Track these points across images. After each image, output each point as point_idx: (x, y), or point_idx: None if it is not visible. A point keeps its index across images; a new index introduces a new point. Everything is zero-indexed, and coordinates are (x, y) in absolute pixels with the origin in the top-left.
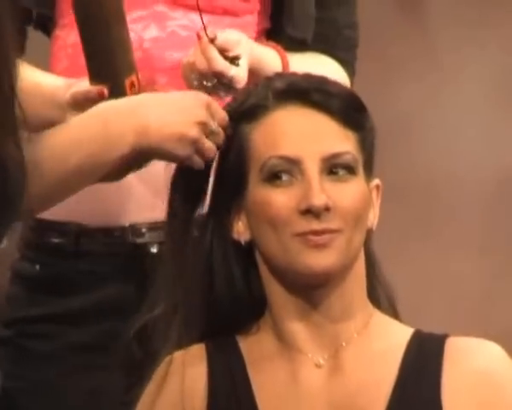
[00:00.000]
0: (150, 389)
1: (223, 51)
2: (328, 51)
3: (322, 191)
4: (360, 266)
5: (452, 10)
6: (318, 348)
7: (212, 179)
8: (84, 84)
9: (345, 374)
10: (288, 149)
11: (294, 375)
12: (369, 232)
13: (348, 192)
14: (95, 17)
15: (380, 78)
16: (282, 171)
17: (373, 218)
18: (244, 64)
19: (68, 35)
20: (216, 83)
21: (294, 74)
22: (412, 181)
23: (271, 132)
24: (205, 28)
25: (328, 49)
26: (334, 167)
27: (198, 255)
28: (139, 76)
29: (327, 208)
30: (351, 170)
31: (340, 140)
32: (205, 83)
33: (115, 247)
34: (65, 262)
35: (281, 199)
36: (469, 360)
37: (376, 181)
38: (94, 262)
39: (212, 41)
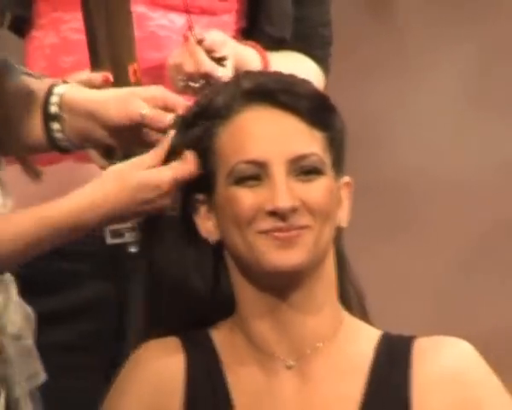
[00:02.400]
0: (121, 377)
1: (209, 52)
2: (304, 50)
3: (289, 193)
4: (329, 266)
5: (422, 9)
6: (287, 350)
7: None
8: (82, 75)
9: (316, 380)
10: (254, 153)
11: (268, 378)
12: (339, 231)
13: (315, 190)
14: (101, 2)
15: (351, 77)
16: (249, 175)
17: (343, 215)
18: (230, 65)
19: (46, 36)
20: (203, 84)
21: (263, 74)
22: (384, 180)
23: (238, 135)
24: (191, 30)
25: (304, 47)
26: (300, 169)
27: (169, 253)
28: (139, 65)
29: (294, 209)
30: (317, 171)
31: (306, 141)
32: (192, 84)
33: (95, 247)
34: (45, 262)
35: (247, 198)
36: (438, 360)
37: (346, 179)
38: (74, 262)
39: (199, 43)
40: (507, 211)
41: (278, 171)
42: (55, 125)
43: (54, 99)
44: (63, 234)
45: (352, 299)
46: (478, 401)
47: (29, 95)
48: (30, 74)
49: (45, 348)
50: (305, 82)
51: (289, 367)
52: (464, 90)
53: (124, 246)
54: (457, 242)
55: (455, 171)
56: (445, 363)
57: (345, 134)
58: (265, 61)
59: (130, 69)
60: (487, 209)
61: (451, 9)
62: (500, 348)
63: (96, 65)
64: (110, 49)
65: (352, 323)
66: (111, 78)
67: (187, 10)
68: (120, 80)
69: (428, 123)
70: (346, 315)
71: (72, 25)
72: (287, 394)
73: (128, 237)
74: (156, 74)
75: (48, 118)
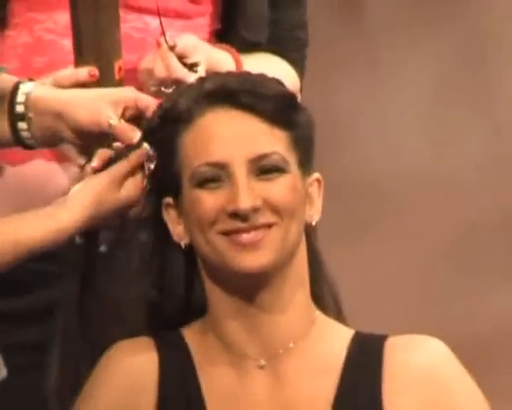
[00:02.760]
0: (93, 378)
1: (181, 58)
2: (280, 52)
3: (250, 193)
4: (299, 264)
5: (393, 10)
6: (259, 350)
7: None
8: (66, 71)
9: (289, 380)
10: (215, 155)
11: (240, 378)
12: (311, 228)
13: (278, 188)
14: None
15: (320, 77)
16: (210, 177)
17: (313, 212)
18: (202, 70)
19: (20, 35)
20: (174, 89)
21: (227, 74)
22: (352, 180)
23: (200, 138)
24: (164, 35)
25: (280, 49)
26: (262, 168)
27: (142, 256)
28: (124, 63)
29: (255, 209)
30: (280, 170)
31: (267, 141)
32: (163, 89)
33: (64, 247)
34: None
35: (209, 199)
36: (408, 358)
37: (316, 175)
38: (43, 261)
39: (172, 48)
40: (480, 211)
41: (239, 172)
42: (22, 125)
43: (20, 98)
44: (38, 253)
45: (326, 297)
46: (450, 399)
47: None
48: None
49: (14, 347)
50: (270, 81)
51: (261, 367)
52: (434, 89)
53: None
54: (428, 242)
55: (425, 170)
56: (416, 361)
57: (313, 132)
58: (239, 64)
59: (116, 66)
60: (458, 210)
61: (421, 9)
62: (474, 350)
63: (80, 61)
64: (97, 45)
65: (325, 322)
66: (97, 73)
67: (159, 15)
68: (106, 76)
69: (398, 122)
70: (318, 314)
71: (47, 25)
72: (259, 393)
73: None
74: (130, 77)
75: (14, 117)
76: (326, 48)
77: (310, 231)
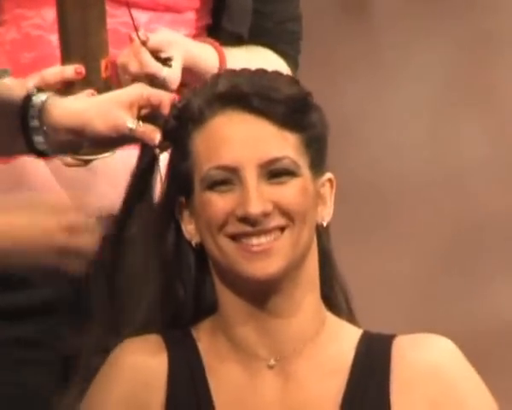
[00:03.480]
0: (101, 375)
1: (155, 52)
2: (269, 45)
3: (260, 197)
4: (310, 266)
5: (398, 8)
6: (269, 351)
7: (163, 179)
8: (53, 69)
9: (298, 380)
10: (225, 158)
11: (250, 378)
12: (323, 229)
13: (288, 192)
14: None
15: (325, 78)
16: (220, 180)
17: (325, 213)
18: (177, 65)
19: (7, 31)
20: (149, 84)
21: (242, 75)
22: (358, 181)
23: (211, 140)
24: (136, 30)
25: (269, 42)
26: (272, 172)
27: (152, 252)
28: (110, 61)
29: (265, 214)
30: (290, 173)
31: (278, 145)
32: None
33: None
34: None
35: (219, 202)
36: (416, 356)
37: (328, 175)
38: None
39: (143, 43)
40: (484, 211)
41: (250, 176)
42: (38, 138)
43: (32, 112)
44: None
45: (338, 298)
46: (458, 397)
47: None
48: None
49: (6, 342)
50: (283, 82)
51: (271, 367)
52: (438, 89)
53: None
54: (431, 243)
55: (429, 170)
56: (424, 359)
57: (326, 131)
58: (222, 58)
59: (103, 64)
60: (462, 210)
61: (427, 7)
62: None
63: (67, 58)
64: (84, 43)
65: (334, 322)
66: (83, 71)
67: (129, 8)
68: (92, 74)
69: (402, 122)
70: (328, 315)
71: (34, 21)
72: (268, 393)
73: None
74: (117, 72)
75: (30, 131)
76: (329, 49)
77: (321, 232)
